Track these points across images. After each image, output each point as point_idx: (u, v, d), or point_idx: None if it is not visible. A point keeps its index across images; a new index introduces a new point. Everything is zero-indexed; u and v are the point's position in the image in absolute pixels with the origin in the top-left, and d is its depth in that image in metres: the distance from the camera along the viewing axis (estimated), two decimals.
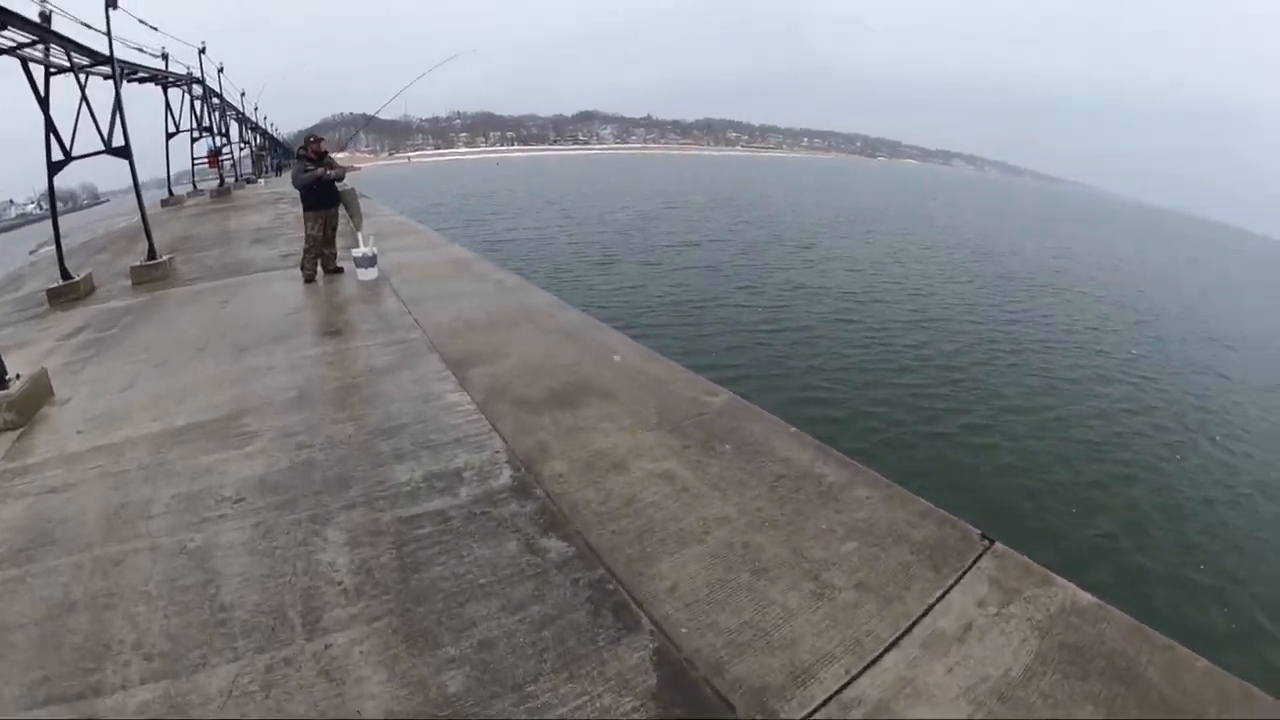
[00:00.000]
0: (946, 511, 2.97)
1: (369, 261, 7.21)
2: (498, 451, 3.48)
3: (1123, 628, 2.46)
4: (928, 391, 10.17)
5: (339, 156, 7.95)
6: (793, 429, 3.65)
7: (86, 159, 8.73)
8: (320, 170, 7.17)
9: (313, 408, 4.19)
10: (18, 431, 4.41)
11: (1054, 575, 2.65)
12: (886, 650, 2.18)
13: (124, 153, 8.82)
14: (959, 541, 2.73)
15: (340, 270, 7.71)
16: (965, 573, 2.56)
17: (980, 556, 2.65)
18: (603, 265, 18.96)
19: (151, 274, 8.83)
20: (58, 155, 8.42)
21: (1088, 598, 2.57)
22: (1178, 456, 8.84)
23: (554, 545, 2.71)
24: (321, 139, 7.57)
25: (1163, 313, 18.75)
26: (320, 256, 7.59)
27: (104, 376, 5.19)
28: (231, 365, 5.05)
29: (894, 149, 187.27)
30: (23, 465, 3.92)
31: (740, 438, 3.50)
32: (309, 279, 7.51)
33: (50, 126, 8.26)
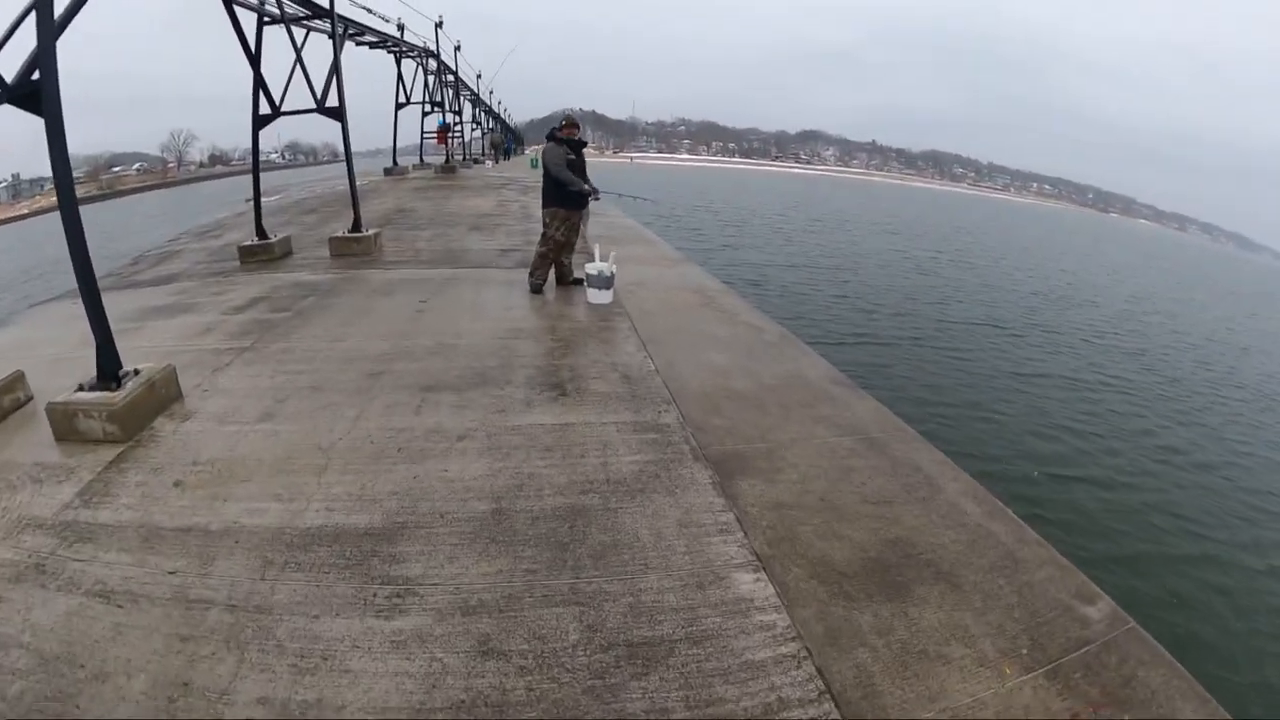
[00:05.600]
0: None
1: (605, 282, 5.59)
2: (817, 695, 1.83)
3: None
4: None
5: None
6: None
7: (300, 115, 8.02)
8: (590, 188, 5.87)
9: (512, 551, 2.42)
10: (117, 450, 3.16)
11: None
12: None
13: (337, 114, 7.87)
14: None
15: (577, 282, 6.16)
16: None
17: None
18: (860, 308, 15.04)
19: (352, 247, 7.94)
20: (265, 109, 7.80)
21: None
22: None
23: None
24: (577, 125, 6.09)
25: None
26: (556, 265, 6.18)
27: (246, 390, 3.89)
28: (407, 421, 3.45)
29: (1127, 206, 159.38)
30: (92, 524, 2.60)
31: (1138, 699, 1.85)
32: (536, 288, 6.03)
33: (259, 80, 7.65)
